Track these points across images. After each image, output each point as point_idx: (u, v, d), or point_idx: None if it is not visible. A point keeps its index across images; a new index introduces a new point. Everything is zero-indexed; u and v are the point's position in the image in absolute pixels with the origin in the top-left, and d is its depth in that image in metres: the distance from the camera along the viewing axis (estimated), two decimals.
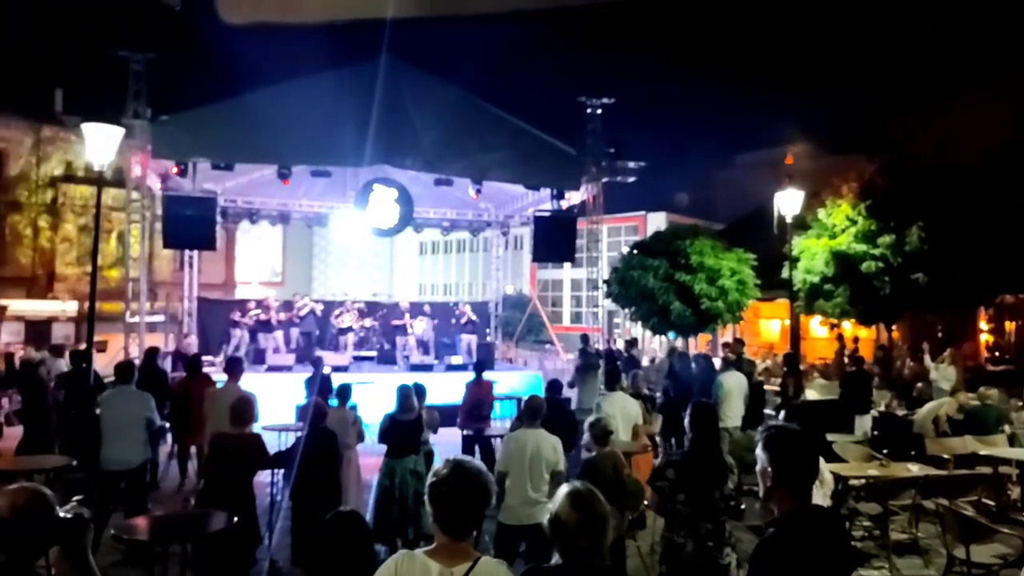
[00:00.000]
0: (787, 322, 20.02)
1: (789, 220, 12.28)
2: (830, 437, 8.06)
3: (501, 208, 18.45)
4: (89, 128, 8.39)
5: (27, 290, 24.62)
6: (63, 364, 9.94)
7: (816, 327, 20.43)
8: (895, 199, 14.96)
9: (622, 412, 6.75)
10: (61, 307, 24.57)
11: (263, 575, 5.74)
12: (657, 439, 8.79)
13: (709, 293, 14.68)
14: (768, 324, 25.77)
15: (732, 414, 8.37)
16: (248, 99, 12.08)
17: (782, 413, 8.02)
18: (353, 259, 39.17)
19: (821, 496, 3.94)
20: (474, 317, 17.78)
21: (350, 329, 16.83)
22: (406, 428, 6.53)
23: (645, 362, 15.38)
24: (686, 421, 4.19)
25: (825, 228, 15.45)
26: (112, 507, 6.33)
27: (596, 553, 2.34)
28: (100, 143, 8.36)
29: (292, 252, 37.17)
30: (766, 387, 11.01)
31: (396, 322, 17.50)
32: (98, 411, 6.66)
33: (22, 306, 23.33)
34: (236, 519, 4.69)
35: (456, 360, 15.43)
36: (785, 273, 13.67)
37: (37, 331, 23.00)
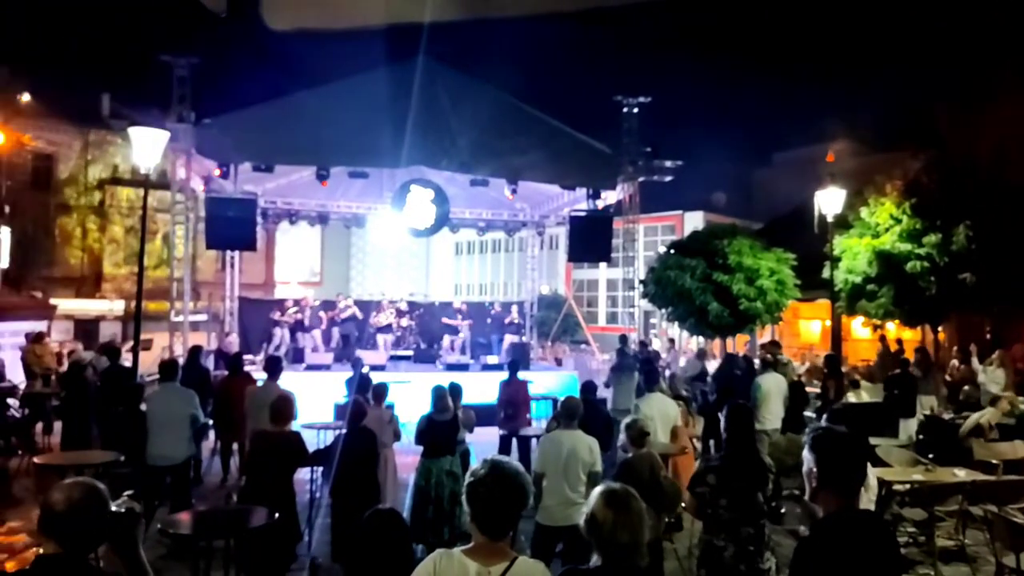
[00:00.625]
0: (828, 323, 19.62)
1: (830, 219, 12.06)
2: (873, 441, 7.89)
3: (536, 208, 18.46)
4: (136, 132, 8.63)
5: (76, 290, 25.37)
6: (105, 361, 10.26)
7: (858, 328, 20.00)
8: (941, 197, 14.57)
9: (661, 414, 6.69)
10: (108, 306, 25.29)
11: (304, 571, 5.83)
12: (696, 442, 8.70)
13: (747, 293, 14.48)
14: (808, 325, 25.32)
15: (771, 416, 8.22)
16: (288, 102, 12.29)
17: (824, 416, 7.86)
18: (390, 259, 39.59)
19: (867, 501, 3.86)
20: (516, 319, 17.82)
21: (388, 328, 16.99)
22: (442, 428, 6.57)
23: (682, 362, 15.26)
24: (722, 423, 4.15)
25: (868, 227, 15.11)
26: (157, 502, 6.49)
27: (634, 553, 2.34)
28: (146, 146, 8.60)
29: (330, 252, 37.68)
30: (807, 389, 10.80)
31: (448, 320, 17.58)
32: (144, 407, 6.84)
33: (71, 305, 24.04)
34: (277, 515, 4.78)
35: (492, 360, 15.47)
36: (826, 273, 13.42)
37: (85, 330, 23.72)
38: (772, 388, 8.35)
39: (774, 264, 15.06)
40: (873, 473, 3.92)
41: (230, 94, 13.39)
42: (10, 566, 5.83)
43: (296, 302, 17.15)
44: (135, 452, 6.55)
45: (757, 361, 11.17)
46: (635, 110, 14.46)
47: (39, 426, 10.66)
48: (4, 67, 20.40)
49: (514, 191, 14.22)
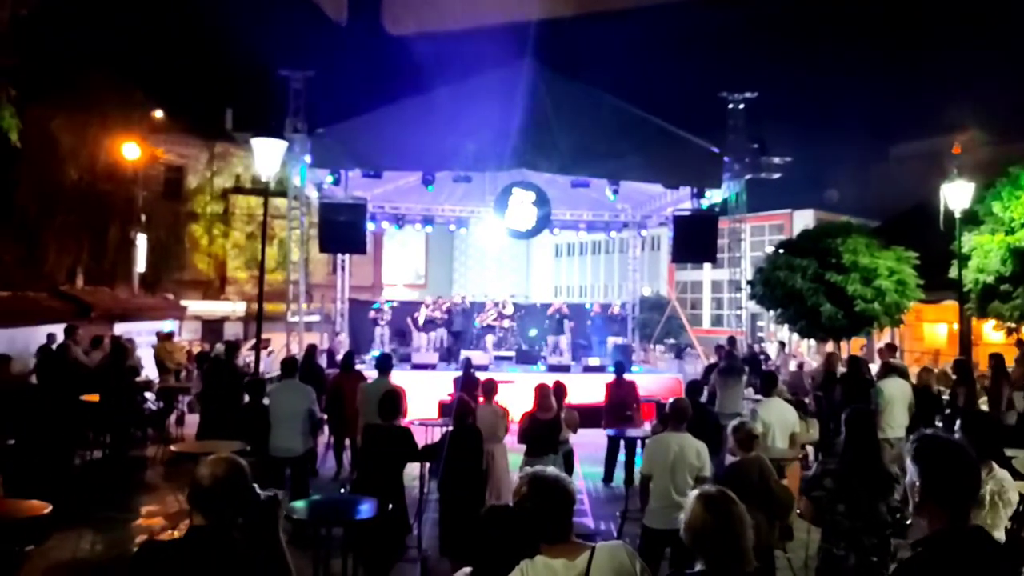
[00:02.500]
0: (956, 326, 18.33)
1: (958, 215, 11.28)
2: (1009, 452, 7.29)
3: (638, 208, 18.23)
4: (257, 142, 9.16)
5: (203, 292, 27.18)
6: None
7: (990, 331, 18.56)
8: None
9: (780, 419, 6.44)
10: (232, 307, 26.97)
11: (413, 563, 6.01)
12: (809, 448, 8.35)
13: (864, 294, 13.75)
14: (934, 328, 23.75)
15: (894, 424, 7.68)
16: (395, 109, 12.69)
17: (955, 425, 7.33)
18: (491, 261, 40.16)
19: (1001, 518, 3.58)
20: (618, 311, 17.77)
21: (491, 329, 17.25)
22: (545, 427, 6.61)
23: (792, 366, 14.68)
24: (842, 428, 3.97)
25: (1001, 223, 14.00)
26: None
27: (736, 558, 2.26)
28: (267, 155, 9.11)
29: (434, 255, 38.62)
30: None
31: (551, 312, 17.75)
32: (266, 402, 7.26)
33: (199, 307, 25.81)
34: (387, 506, 4.96)
35: (593, 361, 15.41)
36: (953, 272, 12.56)
37: (212, 329, 25.41)
38: (895, 394, 7.82)
39: (894, 263, 14.24)
40: (1013, 487, 3.62)
41: (341, 104, 14.00)
42: None
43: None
44: (258, 444, 6.96)
45: (874, 366, 10.58)
46: (741, 106, 14.03)
47: (172, 417, 11.51)
48: (139, 89, 22.11)
49: (616, 191, 14.10)
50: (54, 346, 11.32)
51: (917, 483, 2.19)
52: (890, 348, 11.62)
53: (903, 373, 8.81)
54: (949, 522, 2.13)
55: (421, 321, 17.24)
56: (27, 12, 9.70)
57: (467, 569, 2.61)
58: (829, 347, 15.22)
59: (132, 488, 8.62)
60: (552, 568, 2.37)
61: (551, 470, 2.54)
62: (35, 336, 12.01)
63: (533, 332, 18.26)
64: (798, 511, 4.70)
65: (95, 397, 8.78)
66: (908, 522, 3.83)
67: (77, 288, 19.40)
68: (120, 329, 15.51)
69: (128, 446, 9.55)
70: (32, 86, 12.31)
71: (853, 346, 16.88)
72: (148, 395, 11.37)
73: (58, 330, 11.93)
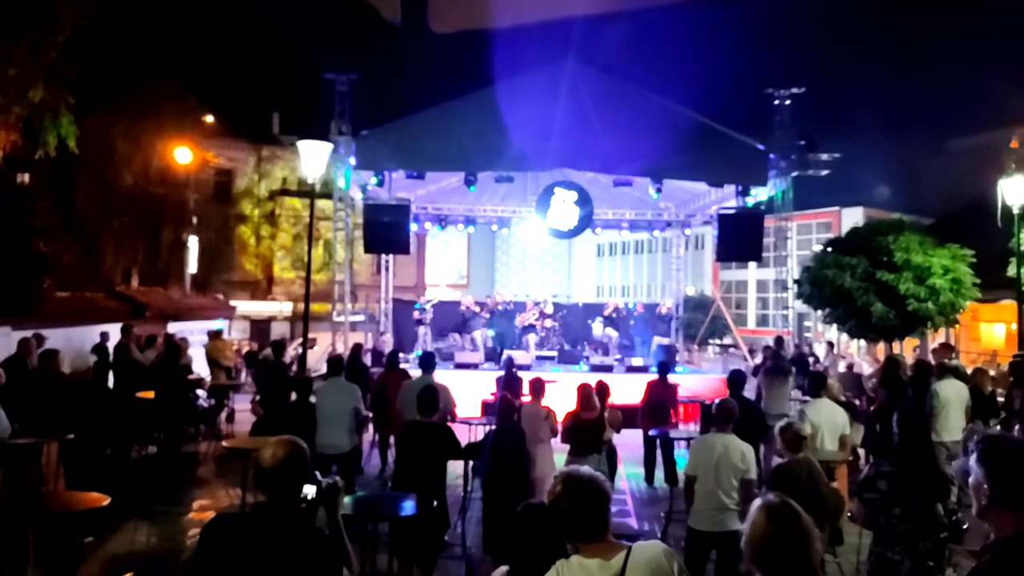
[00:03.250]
0: (1014, 326, 17.70)
1: (1016, 211, 10.90)
2: None
3: (682, 207, 18.03)
4: (303, 145, 9.34)
5: (251, 292, 27.81)
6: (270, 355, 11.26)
7: None
8: None
9: (829, 421, 6.31)
10: (279, 307, 27.54)
11: (460, 562, 6.06)
12: (860, 451, 8.16)
13: (917, 293, 13.38)
14: (991, 328, 22.96)
15: (950, 427, 7.40)
16: (438, 110, 12.79)
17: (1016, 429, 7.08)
18: (533, 261, 40.18)
19: None
20: (669, 310, 17.64)
21: (532, 328, 17.27)
22: (588, 427, 6.59)
23: (842, 367, 14.35)
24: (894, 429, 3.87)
25: None
26: None
27: (801, 573, 2.14)
28: (312, 158, 9.28)
29: (476, 255, 38.80)
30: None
31: (608, 312, 17.70)
32: (313, 399, 7.40)
33: (247, 307, 26.42)
34: (426, 503, 5.01)
35: (636, 361, 15.30)
36: (1011, 271, 12.14)
37: (260, 329, 25.99)
38: (952, 396, 7.55)
39: (948, 261, 13.82)
40: None
41: (385, 105, 14.21)
42: None
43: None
44: (305, 441, 7.08)
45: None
46: (787, 102, 13.78)
47: (223, 414, 11.80)
48: (191, 95, 22.70)
49: (659, 190, 13.98)
50: (108, 344, 11.71)
51: (985, 486, 2.08)
52: (946, 348, 11.28)
53: (960, 374, 8.54)
54: (1018, 527, 2.02)
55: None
56: (86, 23, 10.03)
57: (504, 568, 2.63)
58: (880, 348, 14.85)
59: (185, 483, 8.88)
60: (587, 568, 2.35)
61: (585, 469, 2.53)
62: (89, 335, 12.42)
63: (606, 329, 17.84)
64: (849, 514, 4.61)
65: (150, 394, 9.05)
66: (965, 526, 3.72)
67: (132, 289, 20.06)
68: (172, 328, 15.96)
69: (181, 442, 9.82)
70: (91, 94, 12.76)
71: (906, 347, 16.44)
72: (200, 392, 11.67)
73: (112, 329, 12.34)
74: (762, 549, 2.16)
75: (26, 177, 13.83)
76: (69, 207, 18.00)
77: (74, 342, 12.36)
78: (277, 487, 2.51)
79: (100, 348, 11.59)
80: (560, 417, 6.81)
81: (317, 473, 2.68)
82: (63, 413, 7.37)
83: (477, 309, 17.13)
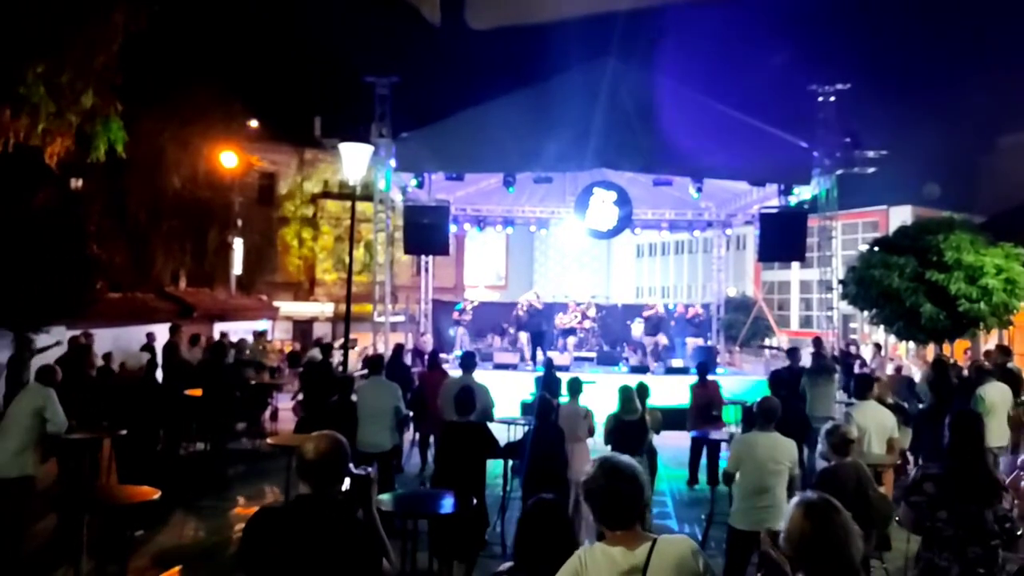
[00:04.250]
0: None
1: None
2: None
3: (723, 206, 17.81)
4: (345, 147, 9.47)
5: (294, 294, 28.29)
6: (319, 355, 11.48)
7: None
8: None
9: (876, 424, 6.16)
10: (320, 308, 27.95)
11: (501, 562, 6.07)
12: (909, 455, 7.95)
13: (968, 293, 12.97)
14: None
15: (996, 432, 7.21)
16: (477, 112, 12.85)
17: None
18: (572, 262, 40.07)
19: None
20: (701, 312, 17.43)
21: (572, 331, 17.23)
22: (630, 428, 6.56)
23: (890, 370, 14.00)
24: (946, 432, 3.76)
25: None
26: None
27: (841, 571, 2.12)
28: (354, 160, 9.41)
29: (515, 257, 38.85)
30: None
31: (648, 314, 17.55)
32: (354, 398, 7.50)
33: (290, 308, 26.89)
34: (464, 501, 5.05)
35: (676, 363, 15.16)
36: None
37: (302, 330, 26.43)
38: (997, 400, 7.32)
39: (1002, 261, 13.37)
40: None
41: (424, 108, 14.31)
42: None
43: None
44: (347, 439, 7.19)
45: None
46: (832, 98, 13.48)
47: (267, 413, 12.04)
48: (237, 101, 23.19)
49: (699, 189, 13.82)
50: (156, 344, 12.05)
51: None
52: (1002, 351, 10.92)
53: (1011, 377, 8.27)
54: None
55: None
56: (136, 30, 10.32)
57: (508, 564, 2.64)
58: (930, 350, 14.44)
59: (231, 479, 9.08)
60: (610, 556, 2.33)
61: (625, 456, 2.51)
62: (137, 335, 12.80)
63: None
64: (896, 519, 4.51)
65: (197, 392, 9.29)
66: (1020, 532, 3.61)
67: (180, 290, 20.58)
68: (219, 328, 16.34)
69: (227, 439, 10.05)
70: (142, 101, 13.12)
71: (957, 349, 15.96)
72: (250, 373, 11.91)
73: (159, 329, 12.69)
74: (801, 546, 2.15)
75: (80, 182, 14.29)
76: (121, 211, 18.53)
77: (122, 342, 12.75)
78: (319, 478, 2.60)
79: (148, 348, 11.93)
80: (600, 418, 6.79)
81: (351, 466, 2.76)
82: (117, 410, 7.62)
83: (540, 307, 17.09)
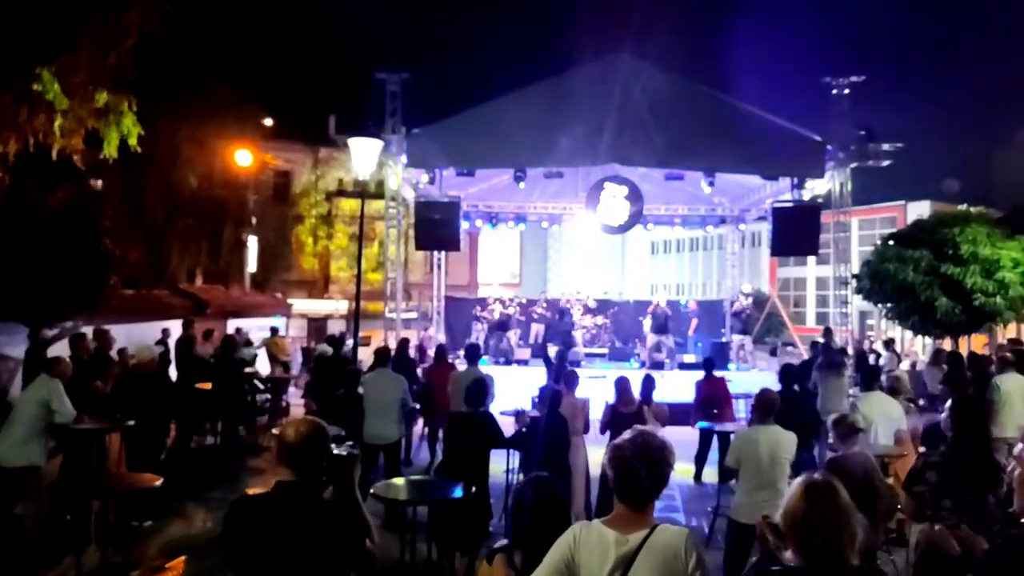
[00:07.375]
0: None
1: None
2: None
3: (736, 202, 17.67)
4: (354, 142, 9.51)
5: (308, 291, 28.47)
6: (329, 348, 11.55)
7: None
8: None
9: (883, 414, 6.09)
10: (335, 306, 28.10)
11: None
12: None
13: (985, 287, 12.82)
14: None
15: (1012, 423, 7.13)
16: (487, 107, 12.84)
17: None
18: (586, 260, 39.97)
19: None
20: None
21: (581, 326, 17.21)
22: (627, 421, 6.52)
23: (905, 365, 13.85)
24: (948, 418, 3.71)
25: None
26: (372, 477, 7.12)
27: (836, 551, 2.08)
28: (363, 155, 9.44)
29: (528, 254, 38.83)
30: None
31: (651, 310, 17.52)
32: (360, 390, 7.54)
33: (305, 305, 27.07)
34: (470, 489, 5.05)
35: (688, 358, 15.09)
36: None
37: (317, 327, 26.57)
38: (1013, 390, 7.23)
39: (1019, 254, 13.22)
40: None
41: (435, 104, 14.33)
42: None
43: (498, 300, 17.92)
44: (353, 430, 7.23)
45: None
46: (846, 91, 13.33)
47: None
48: (252, 99, 23.37)
49: (711, 184, 13.72)
50: (170, 340, 12.19)
51: None
52: (1015, 344, 10.78)
53: None
54: None
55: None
56: (149, 29, 10.41)
57: (503, 541, 2.62)
58: (946, 344, 14.26)
59: (241, 471, 9.16)
60: (604, 536, 2.31)
61: (662, 436, 2.48)
62: (150, 331, 12.93)
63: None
64: (900, 508, 4.46)
65: (207, 386, 9.37)
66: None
67: (195, 286, 20.77)
68: (232, 325, 16.47)
69: (238, 432, 10.14)
70: (158, 100, 13.24)
71: (974, 343, 15.75)
72: (257, 384, 12.03)
73: (173, 325, 12.82)
74: (794, 523, 2.14)
75: (99, 182, 14.47)
76: (139, 209, 18.75)
77: (135, 337, 12.90)
78: (301, 462, 2.60)
79: (161, 343, 12.08)
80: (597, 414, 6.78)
81: (333, 446, 2.73)
82: (129, 402, 7.70)
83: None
